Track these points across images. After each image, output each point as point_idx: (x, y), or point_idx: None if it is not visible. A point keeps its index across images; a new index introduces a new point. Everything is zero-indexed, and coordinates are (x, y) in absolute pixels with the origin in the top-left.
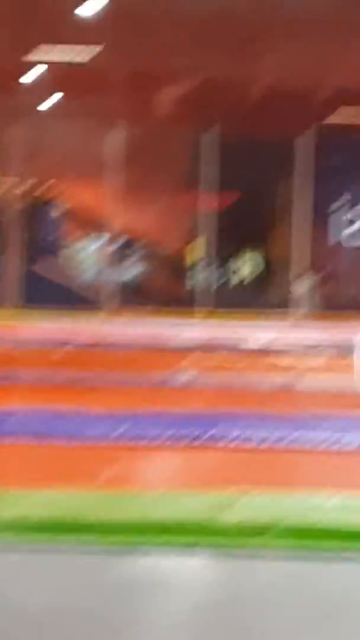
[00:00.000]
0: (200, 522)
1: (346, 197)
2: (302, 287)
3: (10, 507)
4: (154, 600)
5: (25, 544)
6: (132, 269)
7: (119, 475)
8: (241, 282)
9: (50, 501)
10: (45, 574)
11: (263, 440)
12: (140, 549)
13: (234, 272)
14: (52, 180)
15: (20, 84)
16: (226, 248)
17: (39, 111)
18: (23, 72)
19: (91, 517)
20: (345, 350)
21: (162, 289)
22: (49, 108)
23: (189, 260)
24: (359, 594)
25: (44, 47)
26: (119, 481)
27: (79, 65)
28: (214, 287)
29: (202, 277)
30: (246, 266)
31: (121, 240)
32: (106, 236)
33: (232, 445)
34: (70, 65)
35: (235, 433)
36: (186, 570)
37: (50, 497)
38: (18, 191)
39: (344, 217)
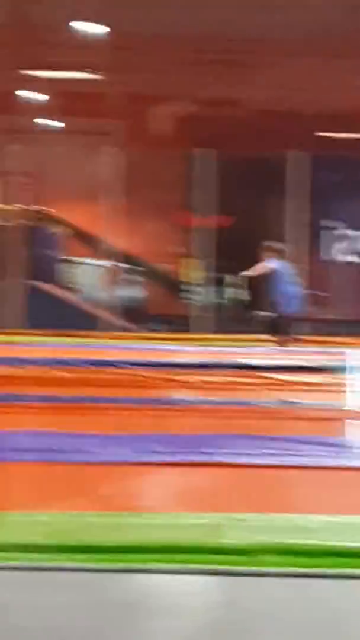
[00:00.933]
0: (198, 541)
1: (341, 214)
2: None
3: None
4: (154, 621)
5: (26, 562)
6: (133, 289)
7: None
8: (239, 302)
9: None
10: (44, 593)
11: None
12: (137, 569)
13: (229, 293)
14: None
15: None
16: (222, 269)
17: None
18: None
19: (90, 538)
20: (341, 370)
21: (161, 307)
22: None
23: (184, 279)
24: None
25: None
26: (120, 501)
27: None
28: (211, 306)
29: (199, 297)
30: (239, 287)
31: (121, 260)
32: (107, 256)
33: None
34: None
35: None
36: (186, 590)
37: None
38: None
39: (337, 234)
